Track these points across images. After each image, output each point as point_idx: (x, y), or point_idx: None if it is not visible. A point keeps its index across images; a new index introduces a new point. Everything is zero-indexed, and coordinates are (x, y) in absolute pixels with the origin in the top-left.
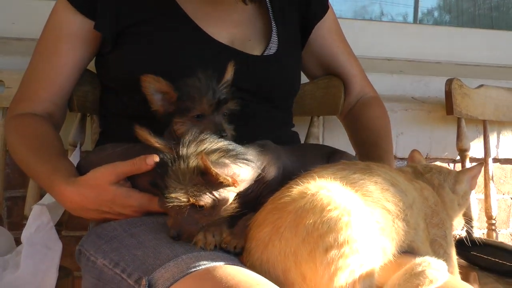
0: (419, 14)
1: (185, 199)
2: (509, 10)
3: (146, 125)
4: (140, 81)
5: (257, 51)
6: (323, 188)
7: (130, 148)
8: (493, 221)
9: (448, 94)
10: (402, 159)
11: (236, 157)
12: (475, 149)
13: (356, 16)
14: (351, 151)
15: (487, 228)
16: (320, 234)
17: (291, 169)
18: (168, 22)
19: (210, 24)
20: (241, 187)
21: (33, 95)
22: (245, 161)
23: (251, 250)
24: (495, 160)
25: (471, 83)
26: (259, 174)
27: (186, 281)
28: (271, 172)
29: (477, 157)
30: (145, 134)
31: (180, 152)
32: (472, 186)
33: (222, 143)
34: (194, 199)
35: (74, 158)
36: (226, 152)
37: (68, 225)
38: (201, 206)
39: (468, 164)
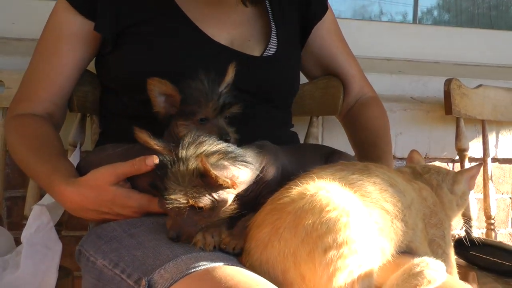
0: (419, 13)
1: (184, 201)
2: (508, 9)
3: (146, 125)
4: (146, 83)
5: (256, 52)
6: (322, 189)
7: (130, 149)
8: (492, 221)
9: (447, 94)
10: (401, 159)
11: (235, 159)
12: (474, 149)
13: (355, 15)
14: (350, 151)
15: (486, 227)
16: (319, 235)
17: (289, 169)
18: (168, 23)
19: (210, 25)
20: (240, 188)
21: (33, 95)
22: (244, 163)
23: (250, 251)
24: (494, 159)
25: (470, 83)
26: (258, 176)
27: (185, 282)
28: (270, 173)
29: (476, 157)
30: (144, 137)
31: (180, 154)
32: (470, 186)
33: (221, 145)
34: (193, 200)
35: (74, 158)
36: (225, 154)
37: (68, 225)
38: (201, 208)
39: (467, 164)
